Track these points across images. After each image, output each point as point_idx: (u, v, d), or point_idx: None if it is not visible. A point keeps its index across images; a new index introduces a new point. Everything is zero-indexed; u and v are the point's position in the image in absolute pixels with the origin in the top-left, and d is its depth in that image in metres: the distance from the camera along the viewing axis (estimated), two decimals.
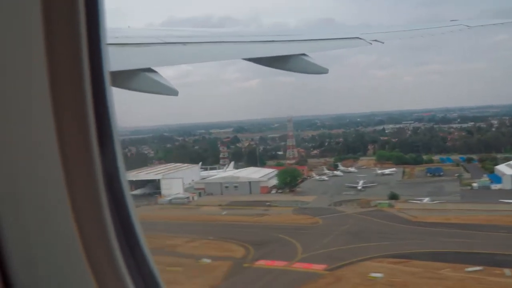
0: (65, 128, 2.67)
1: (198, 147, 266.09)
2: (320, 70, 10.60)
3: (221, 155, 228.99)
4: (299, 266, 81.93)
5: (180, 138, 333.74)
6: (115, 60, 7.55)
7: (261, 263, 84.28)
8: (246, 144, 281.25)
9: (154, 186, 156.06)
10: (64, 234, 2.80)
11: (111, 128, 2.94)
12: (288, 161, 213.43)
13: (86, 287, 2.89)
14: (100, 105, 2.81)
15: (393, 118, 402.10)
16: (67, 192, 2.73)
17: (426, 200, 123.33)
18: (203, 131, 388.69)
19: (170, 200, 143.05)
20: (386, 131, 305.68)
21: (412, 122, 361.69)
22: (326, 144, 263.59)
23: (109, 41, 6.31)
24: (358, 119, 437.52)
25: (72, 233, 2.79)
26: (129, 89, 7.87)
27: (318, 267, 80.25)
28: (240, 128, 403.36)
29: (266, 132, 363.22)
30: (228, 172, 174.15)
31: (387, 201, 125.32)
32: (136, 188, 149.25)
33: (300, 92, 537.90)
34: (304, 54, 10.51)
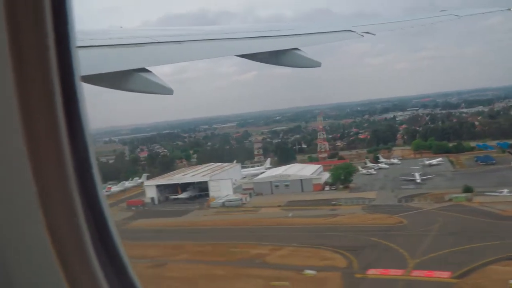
0: (34, 129, 2.67)
1: (217, 144, 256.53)
2: (313, 64, 10.77)
3: (255, 152, 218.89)
4: (420, 274, 73.69)
5: (185, 135, 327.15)
6: (109, 61, 8.03)
7: (374, 272, 76.27)
8: (261, 139, 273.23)
9: (198, 188, 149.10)
10: (35, 237, 2.79)
11: (83, 128, 2.94)
12: (320, 155, 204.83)
13: None
14: (71, 105, 2.83)
15: (396, 105, 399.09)
16: (38, 194, 2.72)
17: (505, 192, 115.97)
18: (206, 126, 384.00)
19: (223, 203, 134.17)
20: (398, 119, 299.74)
21: (418, 108, 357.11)
22: (351, 135, 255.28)
23: (103, 42, 8.39)
24: (358, 108, 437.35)
25: (43, 235, 2.77)
26: (124, 89, 8.04)
27: (443, 275, 72.17)
28: (244, 121, 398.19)
29: (272, 125, 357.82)
30: (276, 170, 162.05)
31: (462, 195, 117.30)
32: (181, 191, 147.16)
33: (296, 83, 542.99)
34: (296, 49, 10.73)
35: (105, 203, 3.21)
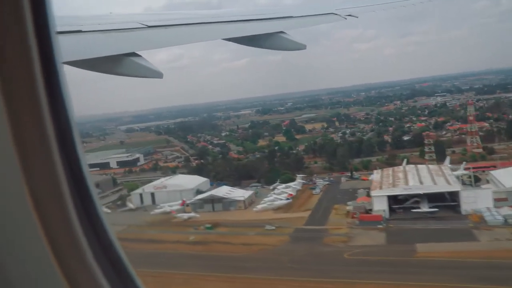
0: (19, 124, 2.70)
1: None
2: (298, 47, 10.99)
3: (426, 149, 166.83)
4: None
5: (219, 123, 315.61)
6: (99, 46, 8.36)
7: None
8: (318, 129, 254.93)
9: (437, 198, 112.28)
10: (30, 236, 2.80)
11: (68, 118, 2.95)
12: (475, 150, 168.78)
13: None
14: (54, 94, 2.86)
15: (422, 91, 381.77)
16: (28, 191, 2.73)
17: None
18: (221, 113, 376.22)
19: (506, 220, 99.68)
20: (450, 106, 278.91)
21: (445, 94, 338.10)
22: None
23: (93, 28, 8.69)
24: (368, 92, 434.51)
25: (38, 233, 2.78)
26: (115, 74, 8.34)
27: None
28: (264, 108, 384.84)
29: (294, 113, 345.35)
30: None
31: None
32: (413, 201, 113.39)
33: (293, 69, 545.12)
34: (282, 32, 10.91)
35: (96, 197, 3.17)
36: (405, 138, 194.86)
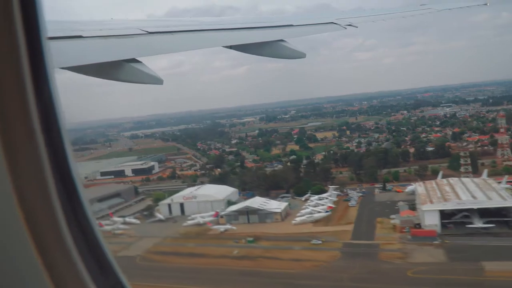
0: (8, 127, 2.71)
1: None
2: (298, 55, 10.85)
3: (462, 161, 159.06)
4: None
5: (226, 130, 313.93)
6: (100, 52, 8.27)
7: None
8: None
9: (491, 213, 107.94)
10: (14, 233, 2.77)
11: (57, 120, 2.97)
12: (507, 163, 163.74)
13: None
14: (44, 99, 2.87)
15: (426, 101, 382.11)
16: (14, 190, 2.72)
17: None
18: (226, 120, 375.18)
19: None
20: (459, 116, 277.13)
21: (451, 104, 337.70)
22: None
23: (94, 33, 8.63)
24: (369, 101, 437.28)
25: (23, 231, 2.76)
26: (115, 80, 8.25)
27: None
28: (268, 116, 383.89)
29: (300, 121, 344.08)
30: None
31: None
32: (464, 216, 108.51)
33: (293, 77, 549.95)
34: (282, 40, 10.88)
35: (84, 196, 3.15)
36: (428, 149, 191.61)
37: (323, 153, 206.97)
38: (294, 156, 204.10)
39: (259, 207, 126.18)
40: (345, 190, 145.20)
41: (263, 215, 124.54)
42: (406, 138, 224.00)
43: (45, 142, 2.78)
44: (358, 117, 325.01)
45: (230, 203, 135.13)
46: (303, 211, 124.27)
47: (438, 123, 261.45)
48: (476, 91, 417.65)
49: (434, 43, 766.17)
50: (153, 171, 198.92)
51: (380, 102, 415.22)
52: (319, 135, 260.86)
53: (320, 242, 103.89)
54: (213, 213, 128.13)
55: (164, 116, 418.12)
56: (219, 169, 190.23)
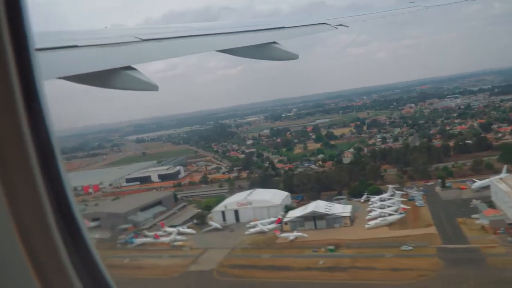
0: None
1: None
2: (291, 56, 10.86)
3: None
4: None
5: (234, 130, 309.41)
6: (96, 61, 8.42)
7: None
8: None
9: None
10: (3, 234, 2.83)
11: (46, 127, 3.04)
12: None
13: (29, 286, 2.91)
14: (33, 107, 2.93)
15: (431, 94, 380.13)
16: (5, 193, 2.77)
17: None
18: (229, 120, 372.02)
19: None
20: (473, 107, 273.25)
21: (457, 96, 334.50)
22: None
23: (88, 42, 8.82)
24: (369, 95, 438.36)
25: (12, 233, 2.81)
26: (111, 87, 8.35)
27: None
28: (273, 115, 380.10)
29: (306, 118, 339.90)
30: None
31: None
32: None
33: (289, 74, 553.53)
34: (275, 42, 10.83)
35: (72, 199, 3.21)
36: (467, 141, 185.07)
37: (351, 150, 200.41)
38: (322, 155, 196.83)
39: (326, 212, 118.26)
40: (404, 189, 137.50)
41: (331, 220, 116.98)
42: (432, 132, 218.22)
43: (35, 148, 2.80)
44: (361, 112, 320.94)
45: (288, 208, 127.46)
46: (372, 214, 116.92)
47: (455, 115, 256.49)
48: (475, 81, 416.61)
49: (427, 36, 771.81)
50: (179, 176, 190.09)
51: (380, 96, 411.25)
52: (337, 132, 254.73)
53: (410, 248, 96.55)
54: (275, 219, 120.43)
55: (163, 118, 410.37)
56: (248, 171, 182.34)
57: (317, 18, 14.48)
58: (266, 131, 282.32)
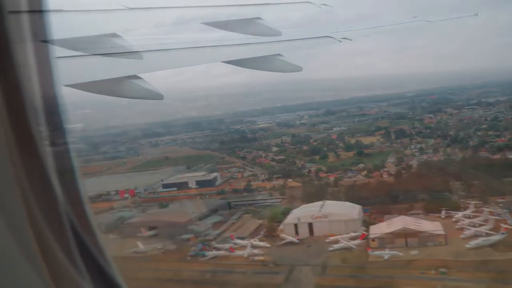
0: (16, 134, 2.82)
1: None
2: (294, 69, 11.39)
3: None
4: None
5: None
6: (102, 69, 8.77)
7: None
8: None
9: None
10: (19, 236, 2.89)
11: (63, 128, 3.16)
12: None
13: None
14: (52, 112, 3.06)
15: (446, 104, 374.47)
16: (21, 195, 2.84)
17: None
18: (240, 126, 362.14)
19: None
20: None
21: (475, 106, 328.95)
22: None
23: (96, 51, 9.16)
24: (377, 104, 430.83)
25: (28, 234, 2.88)
26: (116, 96, 8.63)
27: None
28: (286, 121, 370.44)
29: (321, 125, 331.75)
30: None
31: None
32: None
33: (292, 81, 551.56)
34: (278, 54, 11.30)
35: (87, 202, 3.29)
36: None
37: (391, 161, 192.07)
38: (362, 164, 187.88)
39: (418, 229, 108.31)
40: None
41: (423, 238, 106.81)
42: (471, 143, 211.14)
43: (52, 151, 2.88)
44: (380, 121, 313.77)
45: (367, 223, 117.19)
46: (466, 232, 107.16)
47: (484, 126, 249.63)
48: (483, 92, 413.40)
49: (431, 47, 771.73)
50: (216, 183, 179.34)
51: (391, 104, 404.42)
52: (365, 141, 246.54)
53: None
54: (356, 234, 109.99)
55: (167, 123, 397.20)
56: (291, 180, 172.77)
57: (321, 31, 14.75)
58: (286, 138, 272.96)
